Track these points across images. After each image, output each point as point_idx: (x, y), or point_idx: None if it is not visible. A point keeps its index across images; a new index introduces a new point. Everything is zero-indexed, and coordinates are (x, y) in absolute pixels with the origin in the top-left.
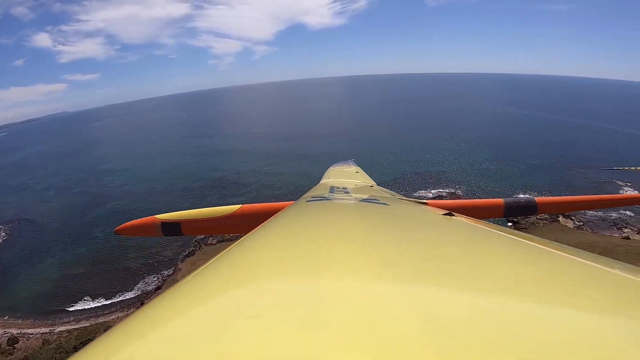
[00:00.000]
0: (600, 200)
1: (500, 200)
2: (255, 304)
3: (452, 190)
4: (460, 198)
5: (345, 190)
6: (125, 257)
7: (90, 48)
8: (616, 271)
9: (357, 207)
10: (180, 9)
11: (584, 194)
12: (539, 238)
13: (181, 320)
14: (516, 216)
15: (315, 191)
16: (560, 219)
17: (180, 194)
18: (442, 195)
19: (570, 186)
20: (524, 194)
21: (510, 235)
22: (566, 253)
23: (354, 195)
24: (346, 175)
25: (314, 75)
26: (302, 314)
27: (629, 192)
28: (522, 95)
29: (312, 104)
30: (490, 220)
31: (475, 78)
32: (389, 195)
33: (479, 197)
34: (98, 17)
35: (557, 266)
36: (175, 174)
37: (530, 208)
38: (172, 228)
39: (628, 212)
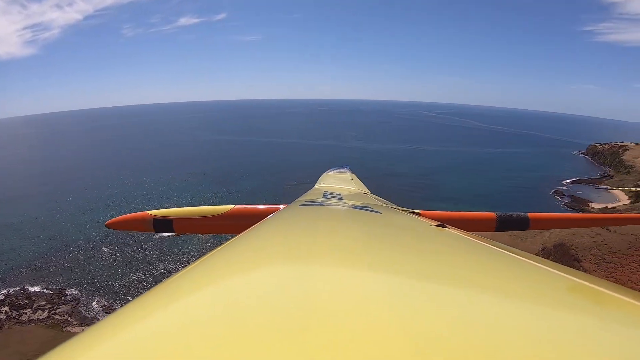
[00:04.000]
0: (595, 218)
1: (493, 214)
2: (239, 307)
3: None
4: None
5: (338, 197)
6: None
7: None
8: (593, 285)
9: (350, 214)
10: None
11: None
12: (527, 253)
13: (161, 319)
14: (508, 230)
15: (308, 196)
16: None
17: None
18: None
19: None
20: None
21: (499, 249)
22: (552, 268)
23: (347, 201)
24: (340, 182)
25: (3, 115)
26: (288, 319)
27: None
28: (223, 122)
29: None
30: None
31: (172, 108)
32: (382, 204)
33: None
34: None
35: (543, 279)
36: None
37: (522, 223)
38: (163, 224)
39: None
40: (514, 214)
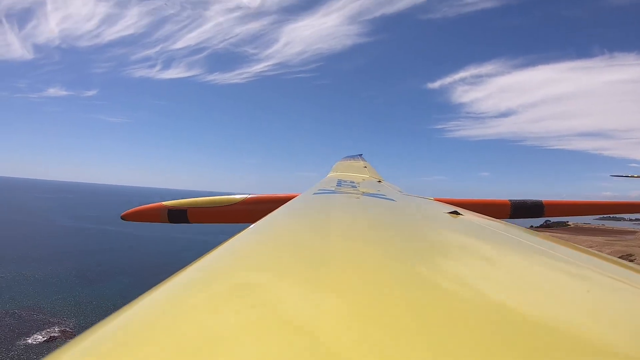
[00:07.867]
0: (608, 205)
1: (507, 201)
2: (253, 297)
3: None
4: None
5: (352, 185)
6: None
7: None
8: (626, 271)
9: (364, 202)
10: None
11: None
12: (549, 236)
13: (173, 313)
14: (523, 217)
15: (322, 184)
16: None
17: None
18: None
19: None
20: None
21: (518, 233)
22: (579, 252)
23: (361, 189)
24: (354, 170)
25: None
26: (301, 309)
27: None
28: (83, 206)
29: None
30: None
31: (22, 184)
32: (397, 191)
33: None
34: None
35: (567, 266)
36: None
37: (536, 209)
38: (178, 215)
39: None
40: (529, 200)
